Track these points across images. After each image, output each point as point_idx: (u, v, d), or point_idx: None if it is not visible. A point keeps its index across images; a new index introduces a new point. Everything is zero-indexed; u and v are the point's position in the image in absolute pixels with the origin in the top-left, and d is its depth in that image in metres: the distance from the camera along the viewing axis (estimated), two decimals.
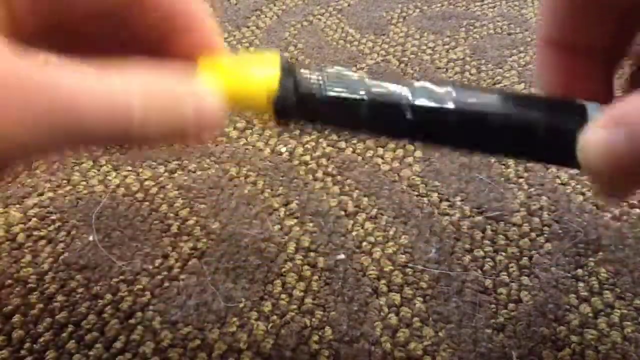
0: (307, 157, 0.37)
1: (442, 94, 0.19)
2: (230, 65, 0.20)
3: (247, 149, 0.37)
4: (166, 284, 0.29)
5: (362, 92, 0.19)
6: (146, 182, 0.34)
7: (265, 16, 0.51)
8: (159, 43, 0.20)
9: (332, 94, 0.19)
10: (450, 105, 0.19)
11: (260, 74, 0.19)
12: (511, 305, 0.29)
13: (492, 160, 0.37)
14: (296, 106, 0.20)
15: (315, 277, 0.29)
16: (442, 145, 0.21)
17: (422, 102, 0.19)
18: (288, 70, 0.19)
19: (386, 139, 0.21)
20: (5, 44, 0.15)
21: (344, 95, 0.19)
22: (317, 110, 0.20)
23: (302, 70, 0.20)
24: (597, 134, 0.17)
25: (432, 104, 0.19)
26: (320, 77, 0.20)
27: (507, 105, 0.19)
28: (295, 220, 0.32)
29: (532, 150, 0.20)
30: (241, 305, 0.28)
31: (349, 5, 0.54)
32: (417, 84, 0.19)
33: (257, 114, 0.21)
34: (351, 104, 0.19)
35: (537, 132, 0.19)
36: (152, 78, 0.18)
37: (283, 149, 0.37)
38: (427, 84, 0.19)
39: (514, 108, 0.19)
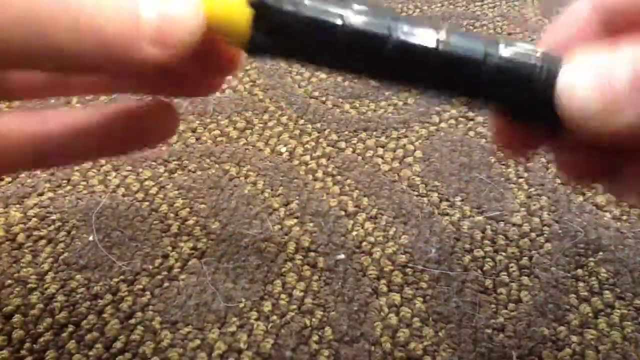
0: (307, 157, 0.37)
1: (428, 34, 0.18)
2: None
3: (247, 149, 0.37)
4: (166, 284, 0.29)
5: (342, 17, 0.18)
6: (146, 182, 0.34)
7: None
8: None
9: (310, 14, 0.18)
10: (434, 45, 0.18)
11: None
12: (511, 305, 0.29)
13: (492, 160, 0.37)
14: (275, 24, 0.18)
15: (315, 277, 0.29)
16: (415, 82, 0.20)
17: (403, 37, 0.18)
18: None
19: (355, 73, 0.20)
20: None
21: (322, 17, 0.18)
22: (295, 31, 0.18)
23: None
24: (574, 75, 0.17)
25: (415, 41, 0.18)
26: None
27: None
28: (295, 220, 0.32)
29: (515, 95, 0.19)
30: (241, 305, 0.28)
31: None
32: (400, 21, 0.18)
33: (229, 38, 0.19)
34: (328, 27, 0.18)
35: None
36: None
37: (283, 149, 0.37)
38: (410, 23, 0.18)
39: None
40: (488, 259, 0.31)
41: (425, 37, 0.18)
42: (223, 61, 0.20)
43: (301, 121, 0.40)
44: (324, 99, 0.42)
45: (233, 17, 0.18)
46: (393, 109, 0.41)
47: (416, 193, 0.34)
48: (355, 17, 0.18)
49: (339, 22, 0.18)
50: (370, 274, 0.30)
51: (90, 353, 0.26)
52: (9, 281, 0.29)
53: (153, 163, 0.36)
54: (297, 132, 0.39)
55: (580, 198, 0.35)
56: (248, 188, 0.34)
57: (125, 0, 0.16)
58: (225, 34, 0.18)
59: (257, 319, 0.27)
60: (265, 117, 0.40)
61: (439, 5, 0.54)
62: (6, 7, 0.14)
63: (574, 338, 0.27)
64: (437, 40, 0.18)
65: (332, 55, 0.19)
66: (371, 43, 0.18)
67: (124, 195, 0.33)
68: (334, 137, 0.38)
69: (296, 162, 0.36)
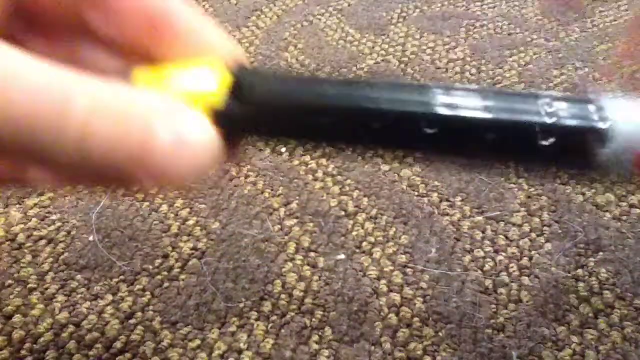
0: (307, 157, 0.37)
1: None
2: (171, 77, 0.16)
3: (247, 149, 0.37)
4: (166, 284, 0.29)
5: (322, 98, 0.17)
6: None
7: (265, 16, 0.51)
8: (138, 45, 0.17)
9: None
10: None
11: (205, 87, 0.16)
12: (511, 305, 0.29)
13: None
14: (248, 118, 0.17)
15: (315, 277, 0.29)
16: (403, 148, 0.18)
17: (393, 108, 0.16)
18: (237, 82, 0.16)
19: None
20: None
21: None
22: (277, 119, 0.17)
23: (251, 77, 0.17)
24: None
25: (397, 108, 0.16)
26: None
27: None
28: (295, 220, 0.32)
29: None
30: (241, 305, 0.28)
31: (349, 5, 0.54)
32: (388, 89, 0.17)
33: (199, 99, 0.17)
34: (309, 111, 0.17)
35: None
36: (112, 89, 0.14)
37: (283, 149, 0.37)
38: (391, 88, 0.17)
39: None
40: (488, 259, 0.31)
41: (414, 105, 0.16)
42: None
43: None
44: None
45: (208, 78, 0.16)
46: None
47: (416, 193, 0.34)
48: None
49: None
50: (370, 274, 0.30)
51: (91, 353, 0.26)
52: (9, 281, 0.29)
53: None
54: None
55: (580, 198, 0.35)
56: (248, 188, 0.34)
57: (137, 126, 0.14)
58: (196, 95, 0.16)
59: (257, 319, 0.27)
60: None
61: (439, 5, 0.54)
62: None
63: (574, 338, 0.27)
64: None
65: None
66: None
67: (124, 195, 0.33)
68: None
69: (296, 162, 0.36)
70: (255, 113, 0.17)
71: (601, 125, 0.16)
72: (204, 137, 0.15)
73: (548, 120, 0.16)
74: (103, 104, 0.14)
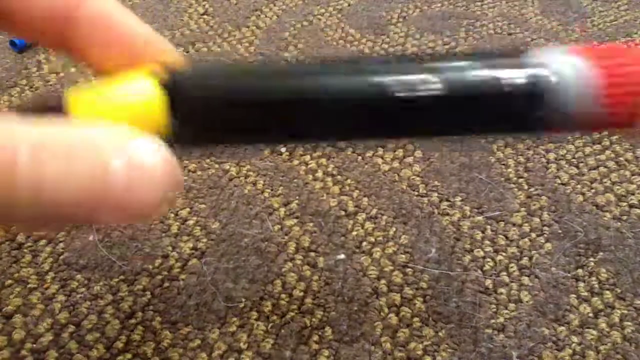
0: (307, 157, 0.37)
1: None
2: (106, 97, 0.16)
3: (247, 148, 0.37)
4: (166, 284, 0.29)
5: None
6: None
7: (265, 16, 0.51)
8: (98, 55, 0.18)
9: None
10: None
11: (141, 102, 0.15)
12: (511, 305, 0.29)
13: (492, 160, 0.37)
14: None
15: (315, 277, 0.29)
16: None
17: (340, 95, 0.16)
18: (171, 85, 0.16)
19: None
20: None
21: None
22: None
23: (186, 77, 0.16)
24: None
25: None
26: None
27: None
28: (295, 220, 0.32)
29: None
30: (241, 305, 0.28)
31: (349, 5, 0.54)
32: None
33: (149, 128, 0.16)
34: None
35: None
36: (55, 129, 0.13)
37: (283, 149, 0.37)
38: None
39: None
40: (488, 259, 0.31)
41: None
42: None
43: None
44: None
45: (147, 111, 0.15)
46: None
47: (416, 193, 0.34)
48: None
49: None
50: (370, 274, 0.30)
51: (91, 353, 0.26)
52: (9, 281, 0.29)
53: None
54: None
55: (580, 198, 0.35)
56: (248, 188, 0.34)
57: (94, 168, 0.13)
58: (142, 123, 0.15)
59: (257, 319, 0.27)
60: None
61: (439, 5, 0.54)
62: None
63: (574, 338, 0.27)
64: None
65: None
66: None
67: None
68: None
69: (296, 162, 0.36)
70: (193, 128, 0.16)
71: (543, 85, 0.16)
72: (158, 158, 0.14)
73: (494, 88, 0.16)
74: (49, 148, 0.13)
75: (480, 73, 0.16)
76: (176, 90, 0.15)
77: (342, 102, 0.16)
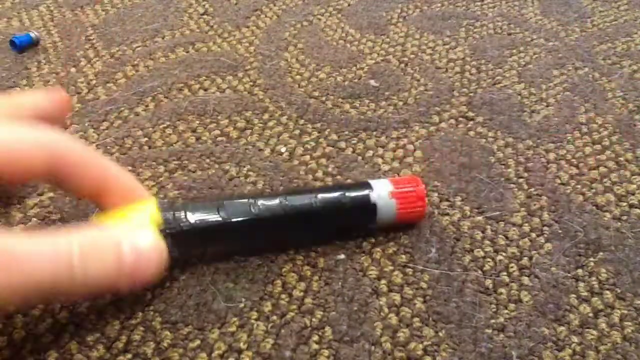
0: (307, 157, 0.37)
1: (275, 204, 0.28)
2: (117, 220, 0.25)
3: (247, 149, 0.37)
4: (166, 284, 0.29)
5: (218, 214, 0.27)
6: (146, 182, 0.34)
7: (265, 16, 0.51)
8: (95, 195, 0.26)
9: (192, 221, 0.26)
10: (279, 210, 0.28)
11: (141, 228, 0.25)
12: (511, 305, 0.29)
13: (492, 160, 0.37)
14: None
15: (315, 277, 0.29)
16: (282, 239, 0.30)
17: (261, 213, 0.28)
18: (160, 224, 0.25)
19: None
20: None
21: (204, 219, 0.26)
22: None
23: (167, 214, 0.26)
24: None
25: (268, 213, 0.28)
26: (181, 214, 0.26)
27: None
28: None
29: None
30: (241, 305, 0.28)
31: (349, 5, 0.54)
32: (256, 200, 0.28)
33: None
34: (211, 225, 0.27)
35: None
36: (94, 232, 0.23)
37: (283, 149, 0.37)
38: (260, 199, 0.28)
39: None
40: (488, 259, 0.31)
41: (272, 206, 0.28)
42: None
43: (301, 121, 0.40)
44: (324, 99, 0.42)
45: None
46: (393, 109, 0.41)
47: None
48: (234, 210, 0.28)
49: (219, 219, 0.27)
50: (370, 274, 0.30)
51: (91, 353, 0.26)
52: None
53: (153, 163, 0.36)
54: (297, 132, 0.39)
55: (580, 198, 0.35)
56: (248, 188, 0.34)
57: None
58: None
59: (257, 319, 0.27)
60: (265, 117, 0.40)
61: (439, 5, 0.54)
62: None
63: (574, 338, 0.27)
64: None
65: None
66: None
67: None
68: (334, 137, 0.38)
69: (296, 162, 0.36)
70: (179, 237, 0.26)
71: (371, 202, 0.29)
72: (152, 243, 0.24)
73: (343, 205, 0.29)
74: (89, 246, 0.22)
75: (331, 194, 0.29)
76: (166, 224, 0.25)
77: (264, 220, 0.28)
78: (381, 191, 0.29)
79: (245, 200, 0.27)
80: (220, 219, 0.26)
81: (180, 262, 0.28)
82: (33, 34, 0.45)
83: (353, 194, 0.29)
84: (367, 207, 0.29)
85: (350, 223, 0.30)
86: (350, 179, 0.35)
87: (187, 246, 0.27)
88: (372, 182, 0.30)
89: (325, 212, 0.28)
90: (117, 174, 0.26)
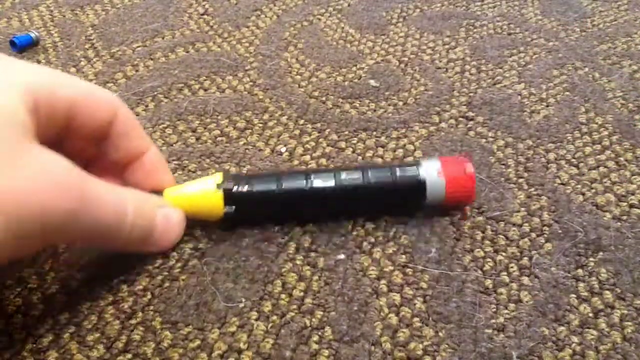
0: (307, 157, 0.37)
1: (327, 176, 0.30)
2: (187, 192, 0.30)
3: (247, 149, 0.37)
4: (166, 284, 0.29)
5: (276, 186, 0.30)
6: None
7: (265, 16, 0.51)
8: (127, 162, 0.29)
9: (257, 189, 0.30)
10: (332, 183, 0.30)
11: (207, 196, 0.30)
12: (511, 305, 0.29)
13: (492, 160, 0.37)
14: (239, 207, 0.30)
15: (315, 277, 0.29)
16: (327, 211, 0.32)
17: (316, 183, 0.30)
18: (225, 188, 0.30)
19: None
20: (72, 164, 0.22)
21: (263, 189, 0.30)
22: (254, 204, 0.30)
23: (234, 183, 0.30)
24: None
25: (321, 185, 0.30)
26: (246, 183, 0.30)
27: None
28: (295, 220, 0.32)
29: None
30: (241, 305, 0.28)
31: (349, 5, 0.54)
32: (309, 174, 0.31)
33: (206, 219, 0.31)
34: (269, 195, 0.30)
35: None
36: (142, 195, 0.27)
37: (283, 149, 0.37)
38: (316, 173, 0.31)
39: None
40: (488, 259, 0.31)
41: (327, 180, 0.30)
42: None
43: (301, 121, 0.40)
44: (324, 99, 0.42)
45: (210, 203, 0.30)
46: (393, 109, 0.41)
47: None
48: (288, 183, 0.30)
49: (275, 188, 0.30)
50: (370, 274, 0.30)
51: (91, 353, 0.26)
52: (9, 281, 0.29)
53: None
54: (297, 132, 0.39)
55: (580, 198, 0.35)
56: None
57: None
58: (204, 217, 0.31)
59: (257, 319, 0.27)
60: (265, 117, 0.40)
61: (439, 5, 0.54)
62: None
63: (574, 338, 0.27)
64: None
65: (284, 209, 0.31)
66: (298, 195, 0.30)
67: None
68: (334, 137, 0.38)
69: (296, 162, 0.36)
70: (239, 203, 0.30)
71: (420, 181, 0.31)
72: (179, 216, 0.29)
73: (393, 183, 0.31)
74: (139, 208, 0.26)
75: (381, 171, 0.31)
76: (226, 190, 0.29)
77: (317, 193, 0.30)
78: (430, 169, 0.30)
79: (302, 175, 0.30)
80: (276, 189, 0.30)
81: (239, 221, 0.31)
82: (33, 34, 0.45)
83: (402, 171, 0.31)
84: (416, 185, 0.30)
85: (400, 199, 0.31)
86: None
87: (247, 208, 0.30)
88: (422, 160, 0.31)
89: (375, 188, 0.30)
90: (155, 150, 0.29)
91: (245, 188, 0.29)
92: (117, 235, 0.25)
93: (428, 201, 0.31)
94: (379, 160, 0.37)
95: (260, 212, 0.31)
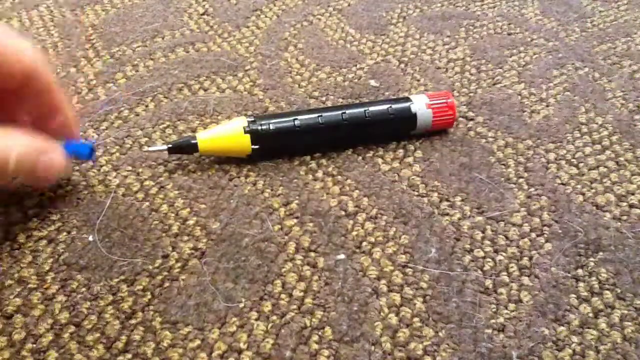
0: (307, 157, 0.37)
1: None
2: (218, 135, 0.35)
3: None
4: (166, 284, 0.29)
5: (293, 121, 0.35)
6: (146, 182, 0.34)
7: (265, 16, 0.51)
8: (40, 119, 0.30)
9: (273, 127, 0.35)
10: (339, 118, 0.36)
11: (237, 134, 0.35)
12: (511, 305, 0.29)
13: (492, 160, 0.37)
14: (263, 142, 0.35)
15: (315, 277, 0.29)
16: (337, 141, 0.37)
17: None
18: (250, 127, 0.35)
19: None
20: None
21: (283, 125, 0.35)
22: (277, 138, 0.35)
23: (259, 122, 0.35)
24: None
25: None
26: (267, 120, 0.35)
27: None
28: (295, 220, 0.32)
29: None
30: (241, 305, 0.28)
31: (349, 5, 0.54)
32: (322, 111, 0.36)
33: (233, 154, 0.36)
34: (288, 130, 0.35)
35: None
36: (28, 141, 0.28)
37: None
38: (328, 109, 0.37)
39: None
40: (488, 259, 0.31)
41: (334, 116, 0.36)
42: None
43: None
44: (324, 99, 0.42)
45: (240, 143, 0.35)
46: None
47: (416, 193, 0.34)
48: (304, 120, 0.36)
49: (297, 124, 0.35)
50: (370, 274, 0.30)
51: (91, 353, 0.26)
52: (9, 281, 0.29)
53: (153, 163, 0.36)
54: None
55: (580, 198, 0.35)
56: (248, 188, 0.34)
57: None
58: (234, 154, 0.36)
59: (257, 319, 0.27)
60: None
61: (439, 5, 0.54)
62: None
63: (574, 338, 0.27)
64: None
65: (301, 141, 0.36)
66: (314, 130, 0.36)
67: (124, 195, 0.33)
68: None
69: (296, 162, 0.36)
70: (263, 141, 0.35)
71: (412, 112, 0.37)
72: (60, 157, 0.29)
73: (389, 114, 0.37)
74: (22, 154, 0.27)
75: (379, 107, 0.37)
76: (252, 131, 0.35)
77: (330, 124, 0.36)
78: (420, 103, 0.37)
79: (314, 112, 0.36)
80: (293, 125, 0.35)
81: (262, 155, 0.36)
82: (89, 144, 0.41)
83: (397, 106, 0.37)
84: (409, 117, 0.37)
85: (396, 129, 0.38)
86: (350, 179, 0.35)
87: (270, 144, 0.35)
88: (412, 96, 0.38)
89: (375, 121, 0.36)
90: (68, 108, 0.31)
91: (269, 127, 0.34)
92: (3, 175, 0.27)
93: (417, 129, 0.37)
94: (379, 160, 0.37)
95: (281, 147, 0.36)
